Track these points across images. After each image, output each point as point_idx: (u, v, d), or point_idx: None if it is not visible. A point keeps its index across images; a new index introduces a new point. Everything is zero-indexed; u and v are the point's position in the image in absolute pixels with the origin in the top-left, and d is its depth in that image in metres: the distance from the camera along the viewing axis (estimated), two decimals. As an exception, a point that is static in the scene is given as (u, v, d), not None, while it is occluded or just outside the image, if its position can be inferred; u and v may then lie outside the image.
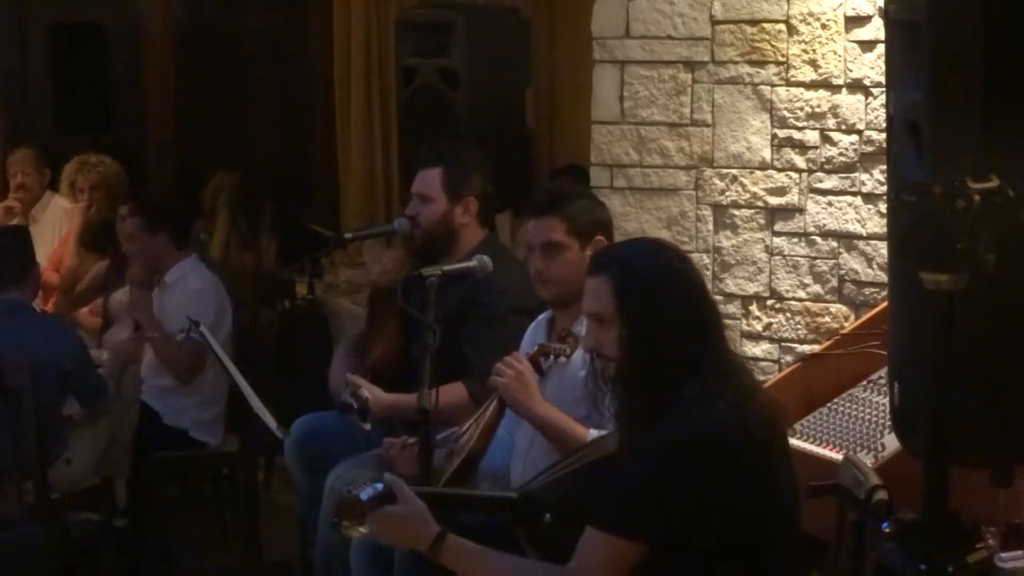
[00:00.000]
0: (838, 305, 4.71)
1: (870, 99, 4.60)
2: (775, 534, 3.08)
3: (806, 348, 4.66)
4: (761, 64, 4.77)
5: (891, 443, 3.71)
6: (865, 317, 4.48)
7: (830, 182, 4.70)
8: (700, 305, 3.18)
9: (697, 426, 3.03)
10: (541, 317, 4.38)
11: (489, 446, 4.09)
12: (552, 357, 4.06)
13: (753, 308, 4.85)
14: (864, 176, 4.64)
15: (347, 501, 3.20)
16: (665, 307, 3.14)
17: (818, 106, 4.70)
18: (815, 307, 4.75)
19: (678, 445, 3.01)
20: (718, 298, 4.83)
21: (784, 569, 3.11)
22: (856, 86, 4.63)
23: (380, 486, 3.21)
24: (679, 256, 3.26)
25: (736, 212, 4.86)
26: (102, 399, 5.47)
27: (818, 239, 4.73)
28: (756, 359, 4.80)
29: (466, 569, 3.18)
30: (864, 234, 4.65)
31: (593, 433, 3.83)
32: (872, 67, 4.57)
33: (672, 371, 3.09)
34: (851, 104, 4.64)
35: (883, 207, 4.48)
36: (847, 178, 4.67)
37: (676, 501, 2.99)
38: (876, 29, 4.52)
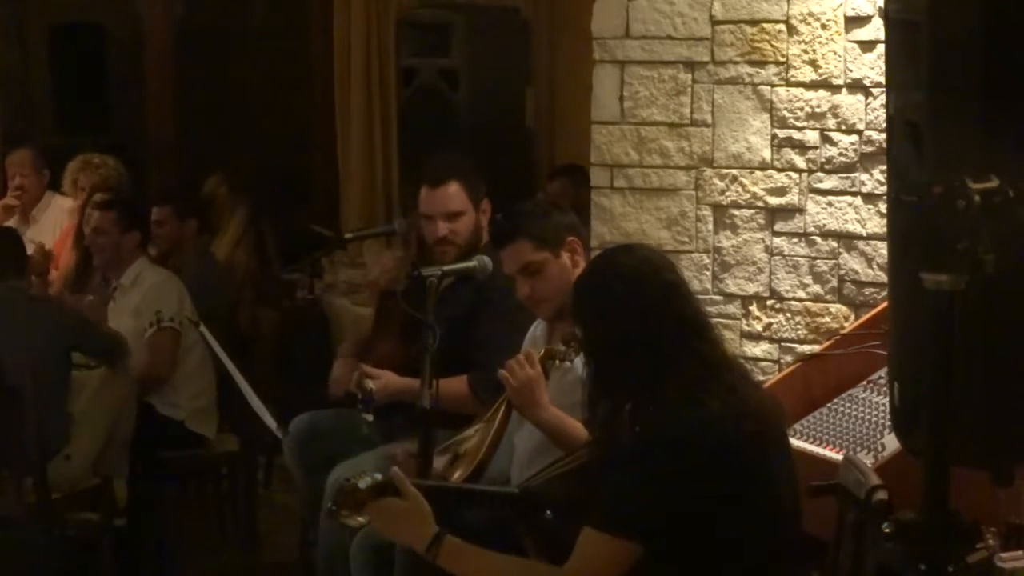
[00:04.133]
0: (838, 305, 4.71)
1: (870, 99, 4.60)
2: (774, 531, 3.08)
3: (806, 348, 4.66)
4: (761, 64, 4.77)
5: (891, 443, 3.71)
6: (865, 317, 4.48)
7: (830, 182, 4.70)
8: (669, 306, 3.17)
9: (685, 424, 3.03)
10: (540, 321, 4.39)
11: (495, 454, 4.09)
12: (557, 360, 4.06)
13: (753, 308, 4.85)
14: (864, 176, 4.64)
15: (345, 489, 3.23)
16: (612, 323, 3.16)
17: (818, 106, 4.70)
18: (815, 307, 4.75)
19: (668, 443, 3.02)
20: (718, 298, 4.83)
21: (784, 568, 3.11)
22: (856, 86, 4.63)
23: (379, 476, 3.24)
24: (632, 266, 3.23)
25: (736, 212, 4.85)
26: (121, 351, 5.54)
27: (818, 239, 4.73)
28: (756, 359, 4.80)
29: (464, 570, 3.18)
30: (864, 234, 4.65)
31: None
32: (872, 67, 4.57)
33: (642, 377, 3.10)
34: (851, 104, 4.64)
35: (883, 207, 4.48)
36: (847, 178, 4.67)
37: (668, 499, 2.99)
38: (876, 29, 4.52)
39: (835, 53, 4.65)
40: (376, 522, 3.27)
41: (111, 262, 6.12)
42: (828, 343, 4.48)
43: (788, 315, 4.80)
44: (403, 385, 4.66)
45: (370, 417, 4.67)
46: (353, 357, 5.22)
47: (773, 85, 4.76)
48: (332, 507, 3.26)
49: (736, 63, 4.81)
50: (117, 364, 5.55)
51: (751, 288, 4.85)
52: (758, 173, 4.81)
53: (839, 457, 3.71)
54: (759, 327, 4.84)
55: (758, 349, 4.84)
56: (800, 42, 4.70)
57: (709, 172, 4.88)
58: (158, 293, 5.91)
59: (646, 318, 3.14)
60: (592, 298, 3.22)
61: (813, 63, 4.68)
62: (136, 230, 6.07)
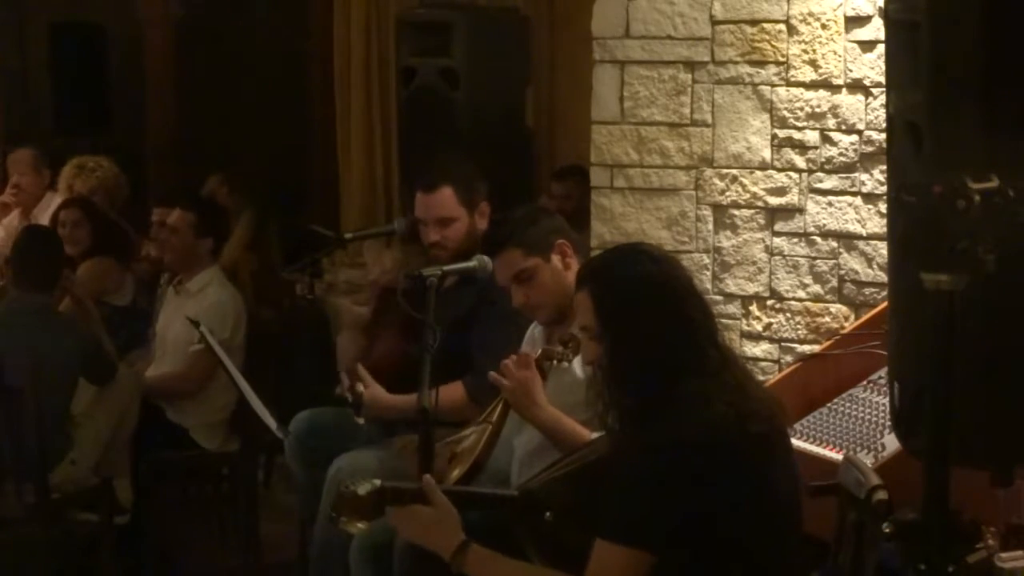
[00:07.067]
0: (838, 305, 4.71)
1: (870, 99, 4.60)
2: (777, 532, 3.08)
3: (806, 348, 4.66)
4: (761, 64, 4.77)
5: (891, 443, 3.71)
6: (865, 317, 4.48)
7: (830, 182, 4.70)
8: (681, 306, 3.17)
9: (693, 427, 3.03)
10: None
11: (493, 451, 4.09)
12: (555, 361, 4.06)
13: (753, 308, 4.85)
14: (864, 176, 4.64)
15: (345, 496, 3.23)
16: (641, 315, 3.15)
17: (818, 106, 4.70)
18: (815, 307, 4.75)
19: (675, 447, 3.02)
20: (718, 298, 4.83)
21: (786, 569, 3.11)
22: (856, 86, 4.63)
23: (378, 482, 3.25)
24: (655, 259, 3.25)
25: (736, 212, 4.86)
26: (111, 379, 5.56)
27: (818, 239, 4.74)
28: (756, 359, 4.80)
29: None
30: (864, 234, 4.65)
31: (595, 435, 3.83)
32: (872, 67, 4.57)
33: (659, 376, 3.10)
34: (851, 104, 4.64)
35: (883, 207, 4.48)
36: (847, 178, 4.67)
37: (678, 504, 2.99)
38: (876, 29, 4.52)
39: (835, 53, 4.65)
40: (403, 529, 3.32)
41: (180, 263, 6.10)
42: (828, 343, 4.48)
43: (788, 315, 4.80)
44: (390, 403, 4.66)
45: (361, 420, 4.68)
46: (356, 331, 5.23)
47: (773, 85, 4.76)
48: (332, 514, 3.27)
49: (736, 63, 4.81)
50: (106, 386, 5.59)
51: (751, 288, 4.85)
52: (758, 173, 4.82)
53: (839, 457, 3.71)
54: (759, 327, 4.84)
55: (758, 349, 4.84)
56: (800, 42, 4.70)
57: (709, 172, 4.88)
58: (216, 314, 5.86)
59: (668, 314, 3.14)
60: (616, 291, 3.20)
61: (813, 63, 4.68)
62: (210, 236, 6.04)
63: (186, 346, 5.90)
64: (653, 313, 3.15)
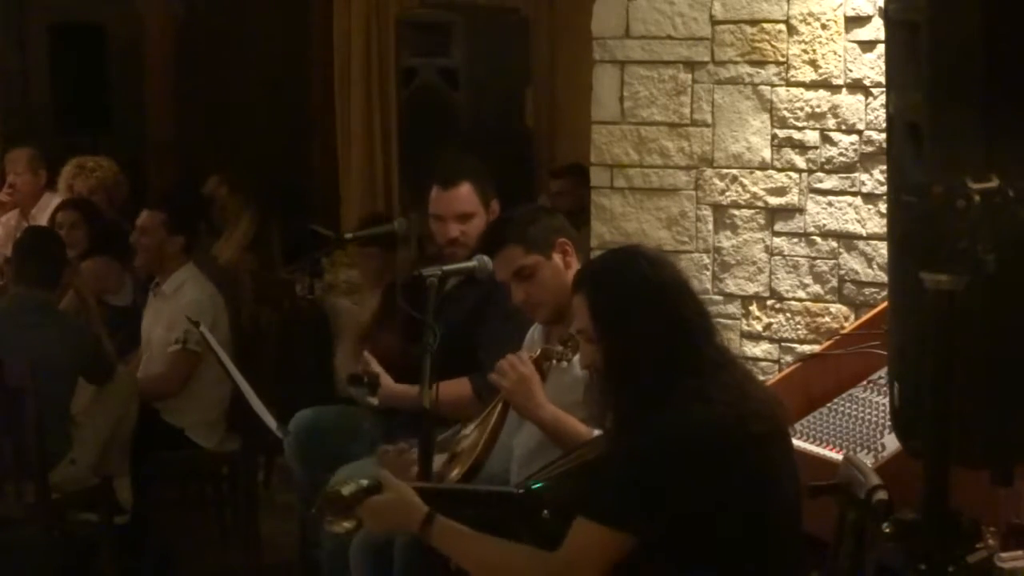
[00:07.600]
0: (838, 305, 4.71)
1: (870, 99, 4.60)
2: (775, 532, 3.08)
3: (806, 348, 4.66)
4: (761, 64, 4.77)
5: (891, 443, 3.71)
6: (865, 317, 4.48)
7: (830, 182, 4.70)
8: (677, 308, 3.17)
9: (692, 425, 3.03)
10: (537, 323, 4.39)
11: (492, 452, 4.09)
12: (555, 361, 4.06)
13: (753, 308, 4.85)
14: (864, 176, 4.64)
15: (330, 496, 3.25)
16: (636, 318, 3.16)
17: (818, 106, 4.70)
18: (815, 307, 4.75)
19: (673, 443, 3.02)
20: (718, 298, 4.83)
21: (784, 569, 3.11)
22: (856, 86, 4.63)
23: (364, 482, 3.27)
24: (651, 261, 3.25)
25: (736, 212, 4.86)
26: (110, 379, 5.56)
27: (818, 239, 4.74)
28: (756, 359, 4.80)
29: (456, 550, 3.23)
30: (864, 234, 4.65)
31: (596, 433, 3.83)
32: (872, 67, 4.57)
33: (655, 378, 3.10)
34: (851, 104, 4.64)
35: (883, 207, 4.48)
36: (847, 178, 4.67)
37: (668, 498, 3.00)
38: (876, 29, 4.52)
39: (835, 53, 4.65)
40: (367, 522, 3.31)
41: (153, 263, 6.08)
42: (828, 343, 4.48)
43: (788, 315, 4.80)
44: (398, 392, 4.65)
45: (375, 400, 4.63)
46: (356, 344, 5.23)
47: (773, 85, 4.76)
48: (315, 513, 3.28)
49: (736, 63, 4.81)
50: (105, 385, 5.59)
51: (751, 288, 4.85)
52: (758, 173, 4.82)
53: (839, 457, 3.71)
54: (759, 327, 4.84)
55: (758, 349, 4.84)
56: (800, 42, 4.70)
57: (709, 172, 4.88)
58: (193, 313, 5.82)
59: (663, 317, 3.15)
60: (611, 294, 3.21)
61: (813, 63, 4.68)
62: (182, 234, 6.03)
63: (167, 347, 5.90)
64: (649, 315, 3.16)
